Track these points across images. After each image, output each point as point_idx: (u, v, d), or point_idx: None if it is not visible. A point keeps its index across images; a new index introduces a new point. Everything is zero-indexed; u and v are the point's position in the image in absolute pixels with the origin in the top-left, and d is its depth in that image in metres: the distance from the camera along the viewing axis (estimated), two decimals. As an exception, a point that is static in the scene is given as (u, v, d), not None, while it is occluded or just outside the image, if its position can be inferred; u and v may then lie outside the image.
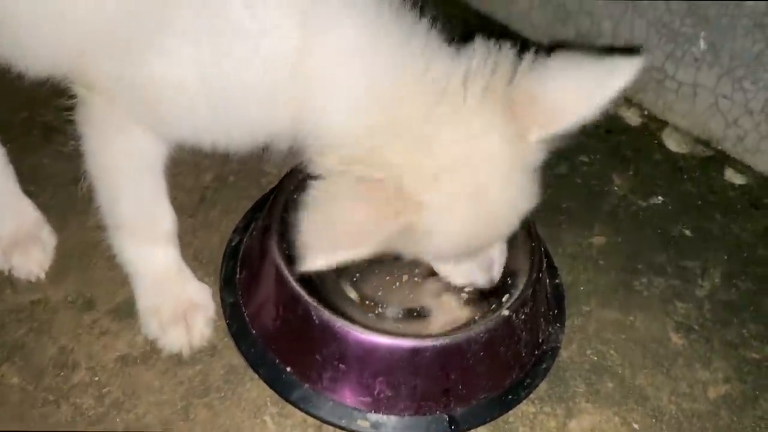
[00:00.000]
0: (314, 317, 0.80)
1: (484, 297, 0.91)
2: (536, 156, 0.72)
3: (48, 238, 0.98)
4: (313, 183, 0.70)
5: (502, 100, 0.68)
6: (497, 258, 0.85)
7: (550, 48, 0.72)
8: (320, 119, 0.70)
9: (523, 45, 1.35)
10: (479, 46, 0.71)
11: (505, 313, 0.83)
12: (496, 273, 0.86)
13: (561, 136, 0.70)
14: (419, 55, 0.69)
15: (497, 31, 1.45)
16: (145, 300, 0.89)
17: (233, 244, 0.98)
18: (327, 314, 0.80)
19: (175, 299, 0.89)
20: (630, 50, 0.77)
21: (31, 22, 0.72)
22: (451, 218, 0.70)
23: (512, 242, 0.93)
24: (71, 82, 0.77)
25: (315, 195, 0.68)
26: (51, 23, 0.72)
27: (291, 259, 0.85)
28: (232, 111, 0.72)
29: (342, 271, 0.93)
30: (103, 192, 0.84)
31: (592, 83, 0.67)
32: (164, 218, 0.88)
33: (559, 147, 0.74)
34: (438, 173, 0.68)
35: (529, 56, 0.69)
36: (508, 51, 0.71)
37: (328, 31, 0.68)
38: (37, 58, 0.76)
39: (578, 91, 0.67)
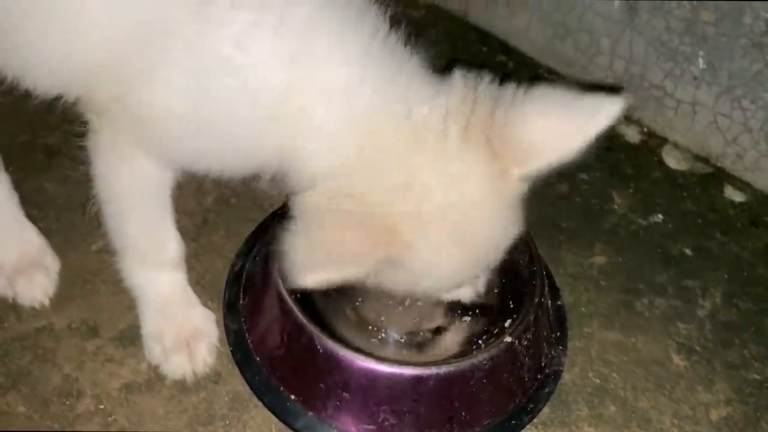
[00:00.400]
0: (318, 346, 0.80)
1: (486, 319, 0.92)
2: (519, 191, 0.73)
3: (51, 263, 0.98)
4: (300, 210, 0.72)
5: (483, 138, 0.69)
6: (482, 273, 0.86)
7: (533, 77, 0.72)
8: (304, 155, 0.72)
9: (521, 62, 1.36)
10: (459, 80, 0.72)
11: (508, 339, 0.83)
12: (481, 287, 0.87)
13: (544, 171, 0.70)
14: (403, 96, 0.70)
15: (496, 47, 1.47)
16: (150, 325, 0.90)
17: (236, 269, 0.99)
18: (331, 343, 0.80)
19: (179, 325, 0.89)
20: (613, 88, 0.78)
21: (40, 42, 0.74)
22: (438, 260, 0.71)
23: (514, 265, 0.94)
24: (84, 109, 0.79)
25: (304, 219, 0.70)
26: (58, 46, 0.73)
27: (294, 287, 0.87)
28: (222, 141, 0.73)
29: (344, 296, 0.94)
30: (112, 216, 0.86)
31: (574, 123, 0.67)
32: (171, 243, 0.89)
33: (553, 170, 0.73)
34: (424, 218, 0.69)
35: (510, 90, 0.70)
36: (488, 85, 0.71)
37: (316, 69, 0.69)
38: (43, 77, 0.78)
39: (560, 131, 0.67)
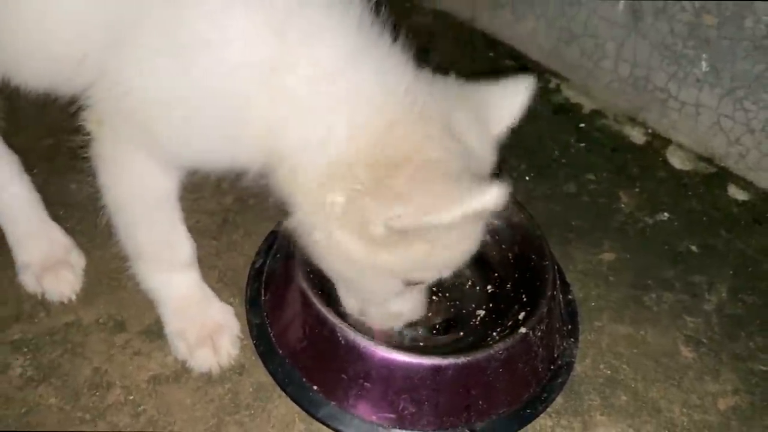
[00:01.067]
0: (340, 338, 0.83)
1: (501, 312, 0.95)
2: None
3: (77, 261, 1.01)
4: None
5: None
6: (419, 299, 0.88)
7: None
8: (300, 135, 0.71)
9: (527, 67, 1.39)
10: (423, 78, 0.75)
11: (523, 330, 0.86)
12: (417, 313, 0.89)
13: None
14: (387, 77, 0.72)
15: (503, 53, 1.51)
16: (172, 324, 0.92)
17: (257, 266, 1.02)
18: (353, 335, 0.83)
19: (199, 322, 0.92)
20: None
21: (20, 37, 0.75)
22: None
23: (526, 261, 0.97)
24: (83, 119, 0.80)
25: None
26: (36, 40, 0.75)
27: (315, 282, 0.90)
28: (210, 126, 0.73)
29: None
30: (121, 225, 0.87)
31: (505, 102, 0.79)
32: (182, 246, 0.91)
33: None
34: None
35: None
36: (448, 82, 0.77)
37: (302, 46, 0.69)
38: (29, 72, 0.80)
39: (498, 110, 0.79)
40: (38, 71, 0.79)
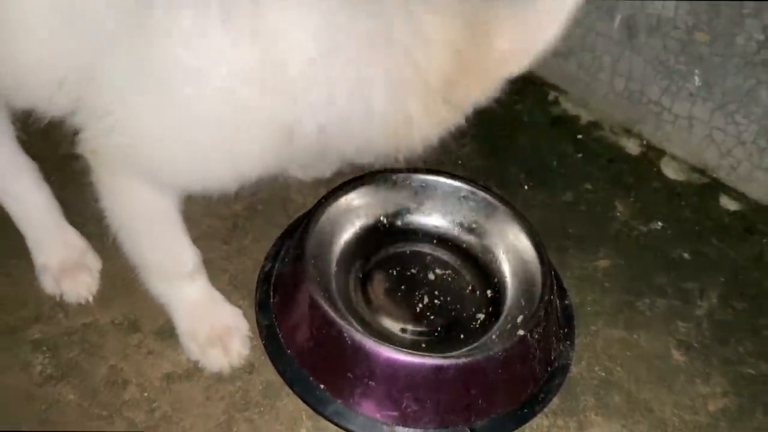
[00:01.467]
0: (347, 339, 0.87)
1: (497, 319, 0.99)
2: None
3: (94, 263, 1.05)
4: None
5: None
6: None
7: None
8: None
9: (528, 79, 1.43)
10: None
11: (521, 332, 0.90)
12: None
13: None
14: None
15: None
16: (183, 326, 0.96)
17: (266, 269, 1.06)
18: (359, 336, 0.87)
19: (209, 324, 0.96)
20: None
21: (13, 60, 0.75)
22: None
23: (525, 265, 1.02)
24: (79, 149, 0.81)
25: None
26: (11, 63, 0.75)
27: (322, 286, 0.94)
28: (209, 152, 0.73)
29: (366, 293, 1.01)
30: (125, 242, 0.89)
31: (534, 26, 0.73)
32: (187, 258, 0.93)
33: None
34: None
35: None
36: None
37: (279, 41, 0.66)
38: (12, 92, 0.81)
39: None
40: (19, 93, 0.80)
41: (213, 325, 0.96)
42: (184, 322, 0.96)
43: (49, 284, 1.01)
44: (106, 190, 0.84)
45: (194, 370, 0.94)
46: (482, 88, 0.76)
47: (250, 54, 0.67)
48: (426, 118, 0.75)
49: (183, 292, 0.96)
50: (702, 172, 1.32)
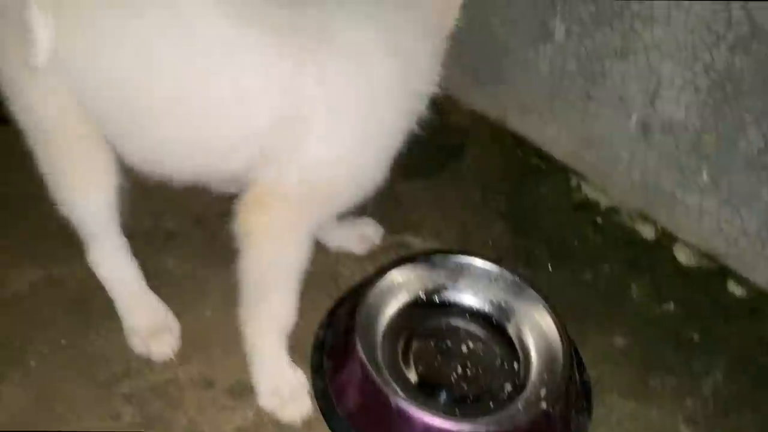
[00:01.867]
0: (393, 404, 1.02)
1: (523, 389, 1.13)
2: None
3: (174, 325, 1.21)
4: None
5: None
6: None
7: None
8: None
9: (553, 166, 1.58)
10: None
11: (544, 406, 1.04)
12: None
13: None
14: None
15: (531, 152, 1.71)
16: (266, 383, 1.11)
17: (319, 338, 1.21)
18: (404, 402, 1.02)
19: (287, 382, 1.11)
20: None
21: (178, 136, 0.96)
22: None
23: (548, 343, 1.15)
24: (238, 205, 1.00)
25: None
26: (196, 140, 0.96)
27: (371, 356, 1.09)
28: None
29: (407, 362, 1.16)
30: (254, 294, 1.07)
31: None
32: (293, 314, 1.11)
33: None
34: None
35: None
36: None
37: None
38: (179, 167, 1.01)
39: None
40: (190, 167, 1.01)
41: (290, 383, 1.11)
42: (268, 376, 1.11)
43: (137, 344, 1.18)
44: (259, 245, 1.01)
45: (261, 424, 1.10)
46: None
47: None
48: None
49: (272, 347, 1.11)
50: (711, 258, 1.43)
